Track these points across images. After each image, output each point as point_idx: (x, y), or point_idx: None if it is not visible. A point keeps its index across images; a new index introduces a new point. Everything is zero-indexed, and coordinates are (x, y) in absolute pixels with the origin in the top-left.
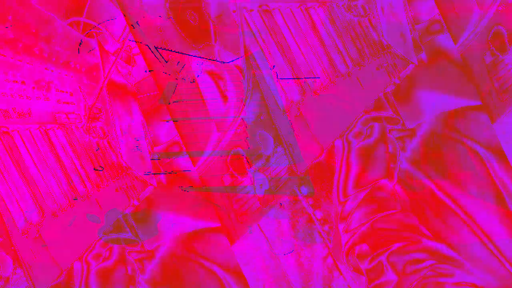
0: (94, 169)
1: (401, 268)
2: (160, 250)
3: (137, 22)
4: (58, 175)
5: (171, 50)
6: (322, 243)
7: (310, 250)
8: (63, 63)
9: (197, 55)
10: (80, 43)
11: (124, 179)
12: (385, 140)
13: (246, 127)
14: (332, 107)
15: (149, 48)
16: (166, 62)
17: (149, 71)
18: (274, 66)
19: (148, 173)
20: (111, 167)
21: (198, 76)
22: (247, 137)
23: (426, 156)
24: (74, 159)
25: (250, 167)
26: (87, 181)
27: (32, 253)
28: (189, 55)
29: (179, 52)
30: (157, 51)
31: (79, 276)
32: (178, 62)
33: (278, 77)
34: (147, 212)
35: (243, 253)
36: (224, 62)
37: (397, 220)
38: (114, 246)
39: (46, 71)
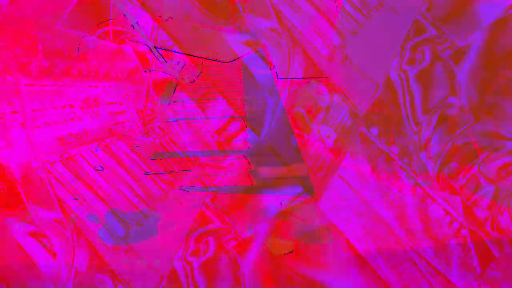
0: (94, 169)
1: (494, 176)
2: (260, 233)
3: (137, 22)
4: (131, 185)
5: (171, 50)
6: (407, 176)
7: (397, 187)
8: (104, 75)
9: (197, 55)
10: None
11: (195, 170)
12: (439, 60)
13: (246, 127)
14: (374, 41)
15: (149, 48)
16: (166, 62)
17: (149, 71)
18: (274, 66)
19: (147, 173)
20: (179, 162)
21: (197, 76)
22: (247, 138)
23: (488, 64)
24: (142, 165)
25: (251, 168)
26: (161, 183)
27: (128, 267)
28: (188, 55)
29: (179, 52)
30: (157, 51)
31: (184, 276)
32: (178, 62)
33: (278, 77)
34: (230, 198)
35: (333, 207)
36: (224, 62)
37: (476, 131)
38: (209, 238)
39: (90, 88)
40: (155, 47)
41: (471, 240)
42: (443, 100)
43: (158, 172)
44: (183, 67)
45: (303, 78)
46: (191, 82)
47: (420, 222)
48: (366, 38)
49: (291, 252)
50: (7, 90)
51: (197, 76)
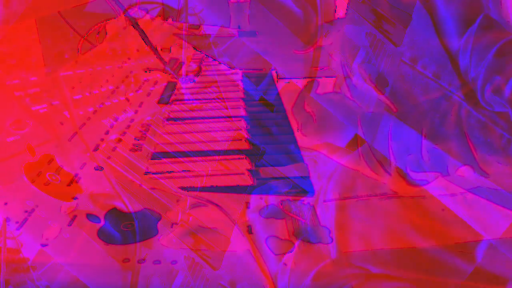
0: (95, 169)
1: None
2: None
3: (137, 22)
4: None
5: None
6: (449, 98)
7: (440, 112)
8: (138, 51)
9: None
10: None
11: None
12: None
13: (247, 127)
14: None
15: (150, 48)
16: (166, 62)
17: (148, 71)
18: (274, 67)
19: (148, 173)
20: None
21: (197, 76)
22: (247, 138)
23: None
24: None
25: (251, 168)
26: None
27: (196, 237)
28: (188, 55)
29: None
30: (157, 51)
31: (252, 231)
32: (178, 62)
33: (278, 77)
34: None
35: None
36: (225, 66)
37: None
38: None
39: (126, 66)
40: (155, 48)
41: None
42: (477, 15)
43: (158, 172)
44: (183, 67)
45: (304, 78)
46: (191, 82)
47: (469, 141)
48: None
49: (291, 252)
50: (46, 83)
51: (197, 76)
